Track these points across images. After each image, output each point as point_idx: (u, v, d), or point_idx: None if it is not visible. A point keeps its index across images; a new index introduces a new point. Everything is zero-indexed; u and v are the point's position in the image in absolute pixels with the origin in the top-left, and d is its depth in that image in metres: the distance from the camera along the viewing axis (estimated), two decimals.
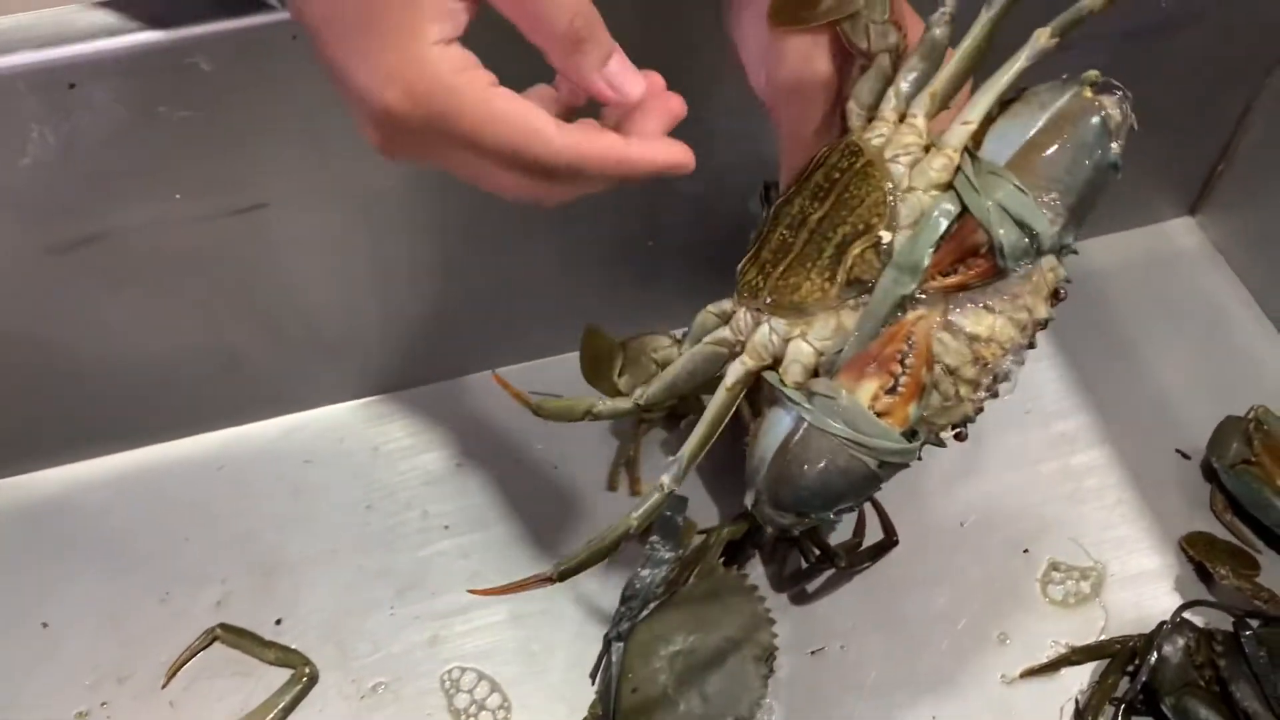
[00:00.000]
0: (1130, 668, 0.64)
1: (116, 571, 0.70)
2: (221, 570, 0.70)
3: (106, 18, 0.54)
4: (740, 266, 0.52)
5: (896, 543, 0.70)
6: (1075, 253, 0.49)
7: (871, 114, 0.49)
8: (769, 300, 0.50)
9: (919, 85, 0.49)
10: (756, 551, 0.70)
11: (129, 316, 0.65)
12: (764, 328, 0.50)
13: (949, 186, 0.46)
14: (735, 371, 0.51)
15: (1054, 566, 0.70)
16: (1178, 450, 0.75)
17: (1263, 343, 0.81)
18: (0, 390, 0.68)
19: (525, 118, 0.39)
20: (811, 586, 0.70)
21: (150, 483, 0.74)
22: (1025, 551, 0.71)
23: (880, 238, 0.47)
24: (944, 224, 0.45)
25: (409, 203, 0.66)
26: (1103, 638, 0.67)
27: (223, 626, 0.67)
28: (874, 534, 0.70)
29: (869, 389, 0.46)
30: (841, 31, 0.48)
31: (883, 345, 0.47)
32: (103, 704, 0.65)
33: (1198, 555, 0.69)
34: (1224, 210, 0.86)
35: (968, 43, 0.48)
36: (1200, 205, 0.88)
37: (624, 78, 0.42)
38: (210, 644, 0.67)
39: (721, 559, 0.67)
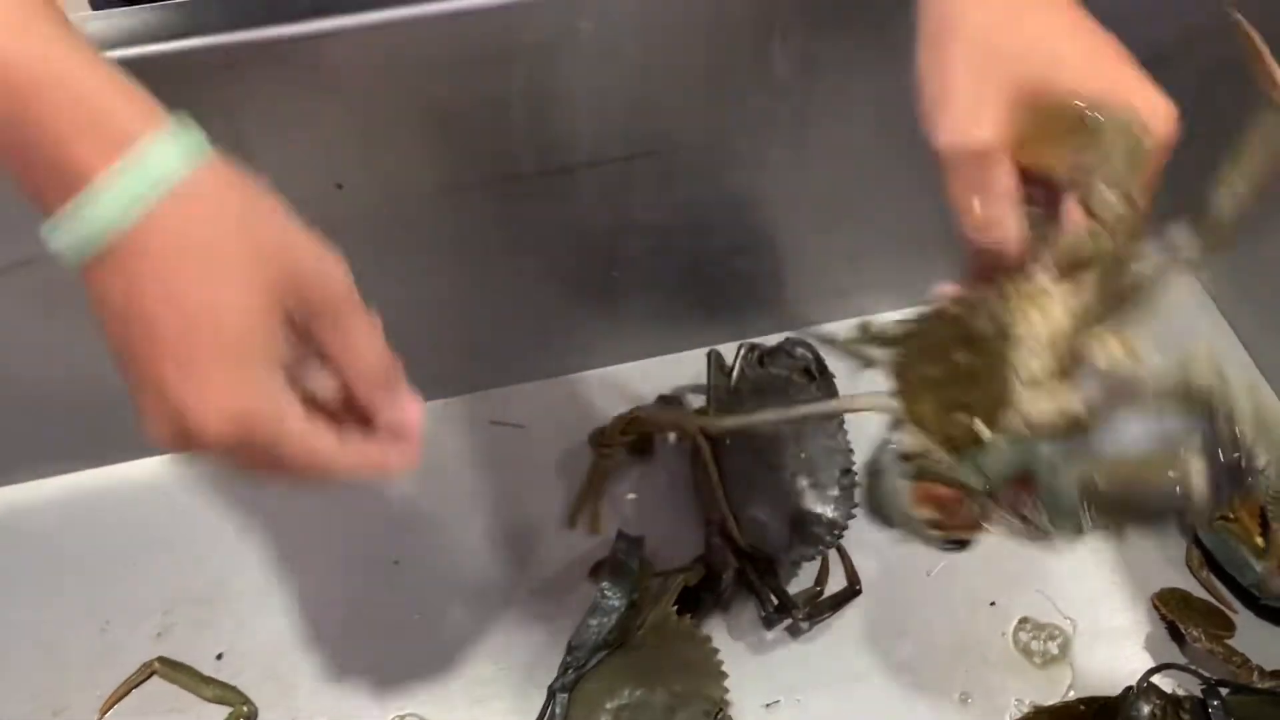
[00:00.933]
0: None
1: (55, 598, 0.68)
2: (163, 600, 0.68)
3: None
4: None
5: (859, 592, 0.68)
6: None
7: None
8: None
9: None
10: (713, 599, 0.67)
11: (65, 340, 0.63)
12: None
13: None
14: None
15: (1022, 621, 0.68)
16: None
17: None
18: None
19: (325, 453, 0.42)
20: (770, 637, 0.67)
21: (91, 506, 0.72)
22: (992, 604, 0.68)
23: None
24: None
25: (362, 236, 0.63)
26: (1069, 697, 0.65)
27: (161, 660, 0.65)
28: (837, 583, 0.69)
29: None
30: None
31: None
32: None
33: (1170, 614, 0.67)
34: (1217, 255, 0.83)
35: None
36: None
37: (404, 425, 0.45)
38: (148, 678, 0.65)
39: (675, 606, 0.65)
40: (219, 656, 0.66)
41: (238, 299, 0.38)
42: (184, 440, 0.39)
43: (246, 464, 0.41)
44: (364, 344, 0.43)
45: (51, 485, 0.73)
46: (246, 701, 0.64)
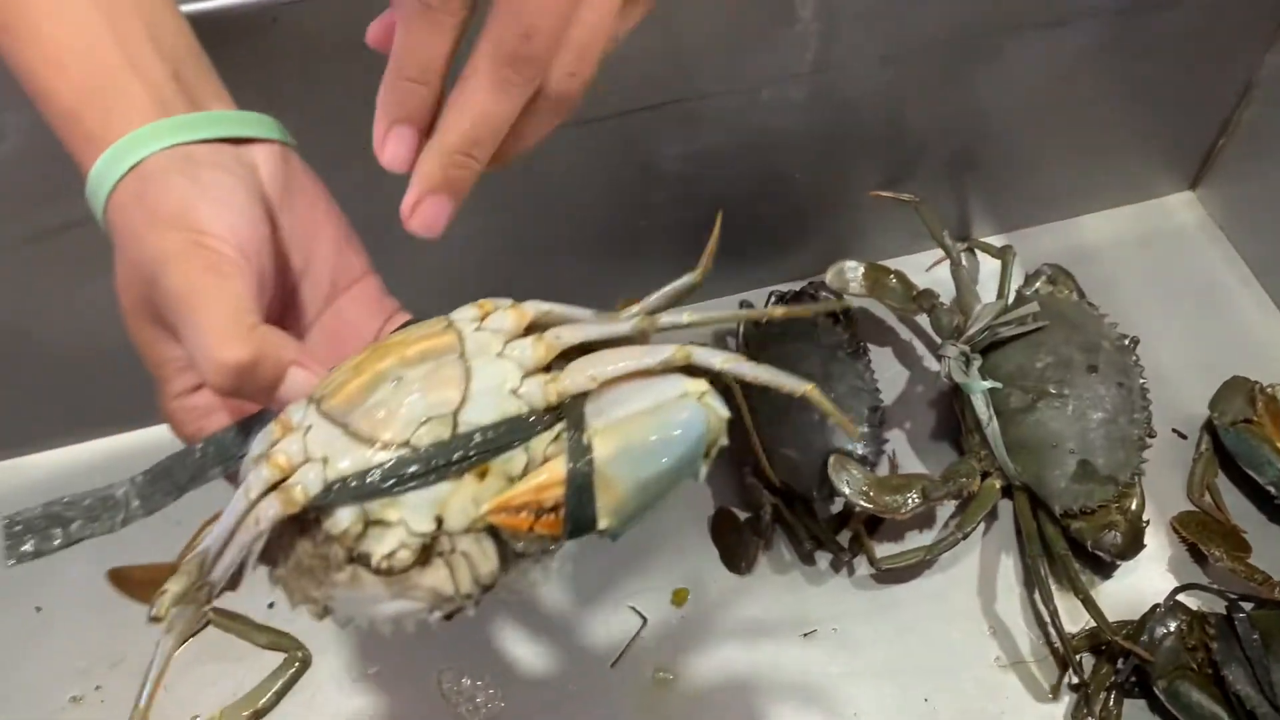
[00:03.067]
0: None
1: (107, 555, 0.70)
2: None
3: None
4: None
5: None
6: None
7: None
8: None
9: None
10: (754, 537, 0.69)
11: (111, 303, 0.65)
12: None
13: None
14: None
15: None
16: (1174, 430, 0.75)
17: (1262, 321, 0.81)
18: None
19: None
20: (804, 573, 0.69)
21: (140, 465, 0.73)
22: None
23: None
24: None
25: (388, 199, 0.65)
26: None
27: (215, 610, 0.67)
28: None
29: None
30: None
31: None
32: (96, 688, 0.65)
33: (1190, 536, 0.69)
34: (1224, 185, 0.85)
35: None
36: (1200, 180, 0.87)
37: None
38: (204, 627, 0.67)
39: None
40: (270, 605, 0.68)
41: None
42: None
43: None
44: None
45: (102, 445, 0.74)
46: (300, 647, 0.66)
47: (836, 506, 0.70)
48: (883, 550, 0.70)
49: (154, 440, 0.74)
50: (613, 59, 0.60)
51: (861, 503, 0.66)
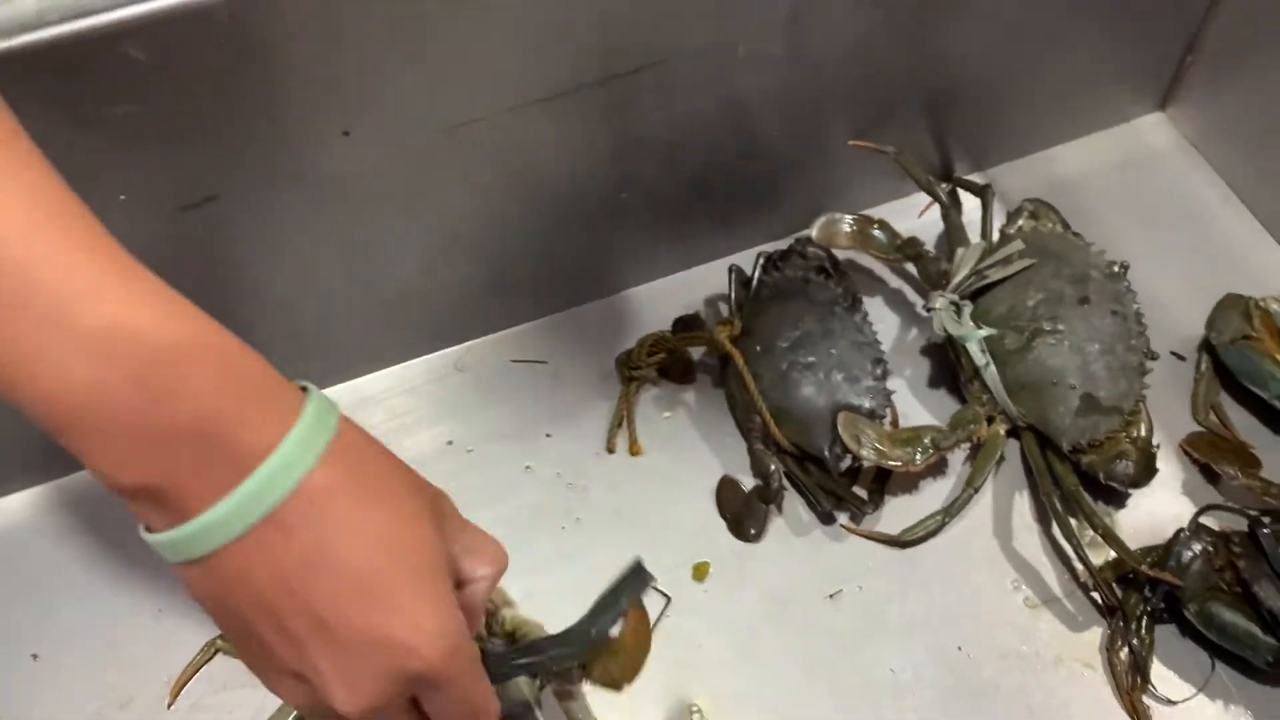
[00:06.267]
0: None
1: (103, 593, 0.67)
2: None
3: (23, 6, 0.49)
4: None
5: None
6: None
7: None
8: None
9: None
10: (765, 505, 0.68)
11: None
12: None
13: None
14: None
15: None
16: (1172, 353, 0.75)
17: (1245, 235, 0.81)
18: None
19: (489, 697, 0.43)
20: (824, 533, 0.69)
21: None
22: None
23: None
24: None
25: (370, 182, 0.62)
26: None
27: (222, 638, 0.65)
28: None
29: None
30: None
31: None
32: None
33: (1201, 457, 0.69)
34: (1195, 103, 0.85)
35: None
36: (1170, 100, 0.86)
37: None
38: (212, 656, 0.65)
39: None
40: None
41: (418, 529, 0.39)
42: (386, 679, 0.38)
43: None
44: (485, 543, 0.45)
45: (84, 479, 0.71)
46: None
47: (846, 463, 0.69)
48: (898, 502, 0.69)
49: None
50: (591, 25, 0.58)
51: (875, 458, 0.66)
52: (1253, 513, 0.63)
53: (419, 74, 0.57)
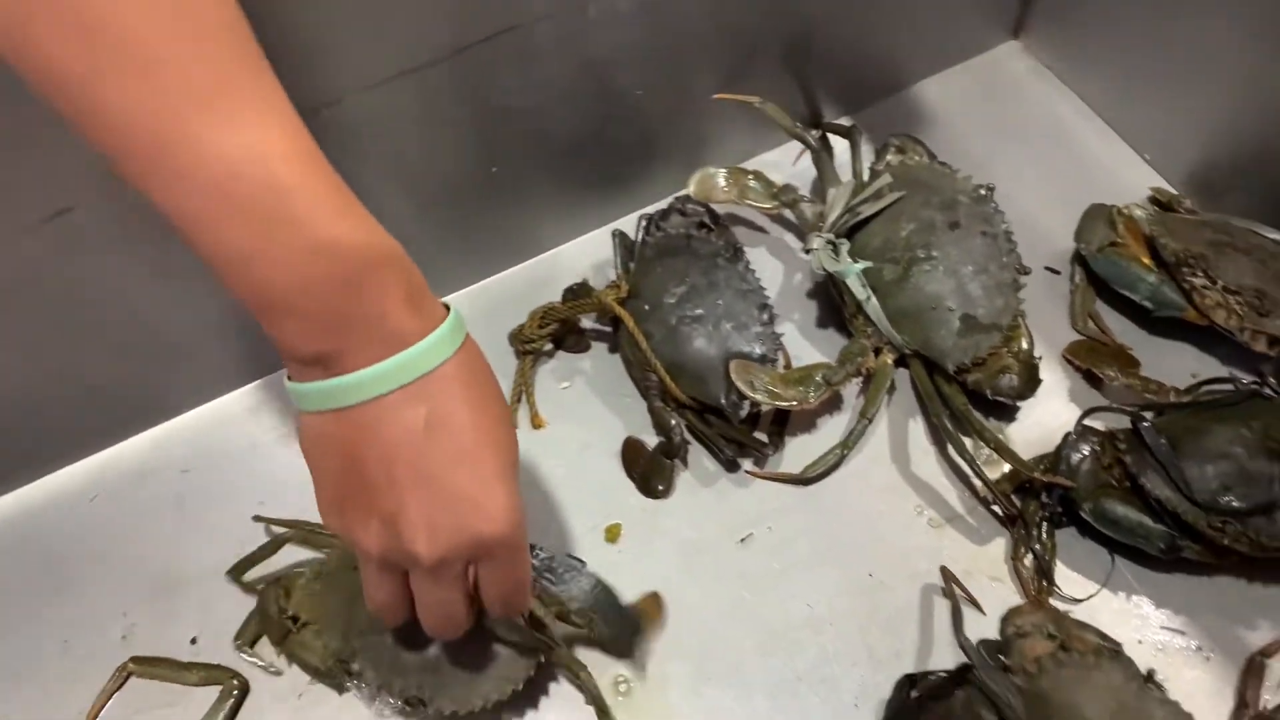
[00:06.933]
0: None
1: (6, 629, 0.65)
2: (119, 603, 0.66)
3: None
4: None
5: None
6: None
7: None
8: None
9: None
10: (670, 461, 0.69)
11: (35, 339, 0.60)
12: None
13: None
14: None
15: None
16: (1047, 268, 0.77)
17: (1107, 148, 0.83)
18: None
19: (529, 573, 0.52)
20: (730, 481, 0.69)
21: (22, 529, 0.69)
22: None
23: None
24: None
25: None
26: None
27: (134, 660, 0.63)
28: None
29: None
30: None
31: None
32: None
33: (1083, 363, 0.71)
34: (1046, 28, 0.87)
35: None
36: (1023, 28, 0.89)
37: None
38: (125, 681, 0.63)
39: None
40: (193, 641, 0.65)
41: (507, 428, 0.48)
42: (459, 534, 0.46)
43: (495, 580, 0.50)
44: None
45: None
46: (235, 675, 0.63)
47: (745, 410, 0.69)
48: (798, 442, 0.70)
49: (26, 501, 0.70)
50: None
51: (768, 400, 0.66)
52: (1133, 409, 0.66)
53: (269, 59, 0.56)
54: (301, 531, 0.66)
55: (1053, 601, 0.63)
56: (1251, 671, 0.59)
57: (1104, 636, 0.60)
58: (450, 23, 0.60)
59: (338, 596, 0.62)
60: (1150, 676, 0.58)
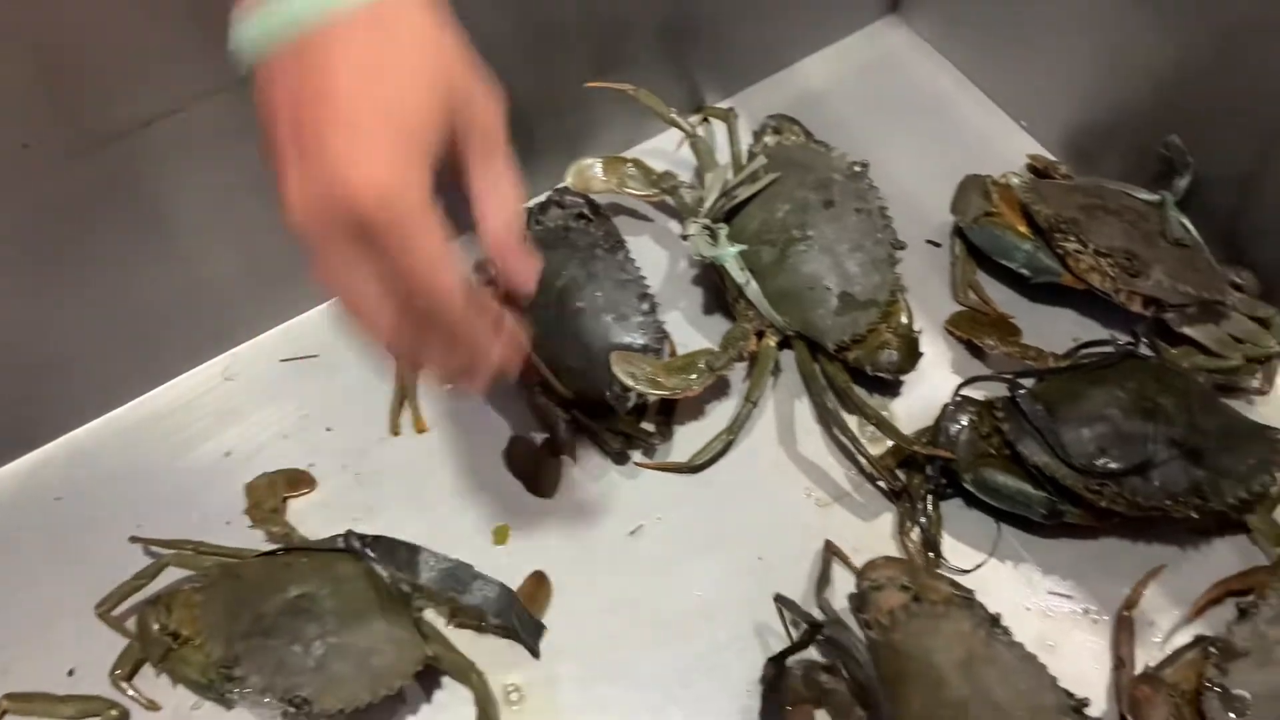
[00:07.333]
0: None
1: (10, 655, 0.63)
2: None
3: None
4: None
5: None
6: None
7: None
8: None
9: None
10: (556, 458, 0.68)
11: None
12: None
13: None
14: None
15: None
16: (928, 241, 0.77)
17: (985, 118, 0.84)
18: None
19: (446, 253, 0.44)
20: (619, 474, 0.69)
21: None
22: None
23: None
24: None
25: (82, 199, 0.59)
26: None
27: (8, 696, 0.61)
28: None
29: None
30: None
31: None
32: None
33: (964, 334, 0.71)
34: (923, 1, 0.87)
35: None
36: (901, 1, 0.88)
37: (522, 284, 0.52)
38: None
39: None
40: (70, 673, 0.63)
41: (416, 93, 0.43)
42: (324, 205, 0.41)
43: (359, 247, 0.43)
44: (506, 181, 0.48)
45: None
46: (113, 705, 0.61)
47: (631, 401, 0.68)
48: (686, 430, 0.70)
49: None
50: None
51: (651, 390, 0.66)
52: (1008, 377, 0.66)
53: (95, 75, 0.55)
54: (182, 552, 0.65)
55: (940, 572, 0.63)
56: (1122, 628, 0.60)
57: (957, 585, 0.60)
58: None
59: (221, 605, 0.61)
60: (997, 620, 0.58)
